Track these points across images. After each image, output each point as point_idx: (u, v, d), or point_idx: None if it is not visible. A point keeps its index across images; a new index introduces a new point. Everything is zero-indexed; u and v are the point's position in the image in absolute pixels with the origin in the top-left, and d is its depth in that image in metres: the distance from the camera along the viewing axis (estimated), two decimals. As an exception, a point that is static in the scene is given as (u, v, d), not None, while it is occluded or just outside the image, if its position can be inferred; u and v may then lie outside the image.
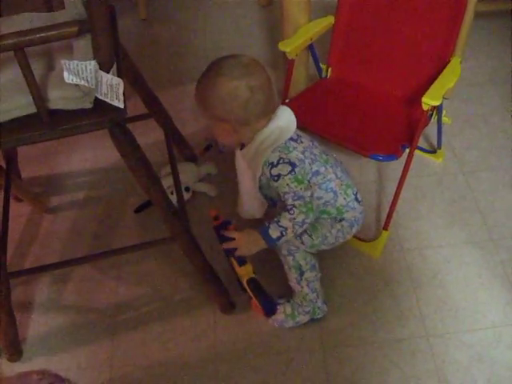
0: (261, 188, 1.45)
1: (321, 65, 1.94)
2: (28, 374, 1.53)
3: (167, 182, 1.83)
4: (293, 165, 1.35)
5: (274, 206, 1.51)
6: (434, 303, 1.63)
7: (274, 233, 1.37)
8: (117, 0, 1.42)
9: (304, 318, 1.57)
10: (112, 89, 1.06)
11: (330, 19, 1.87)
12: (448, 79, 1.65)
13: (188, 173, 1.94)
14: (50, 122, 1.08)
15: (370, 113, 1.78)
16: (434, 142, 2.03)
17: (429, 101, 1.55)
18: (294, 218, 1.35)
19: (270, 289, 1.51)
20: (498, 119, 2.16)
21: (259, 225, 1.41)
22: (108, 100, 1.08)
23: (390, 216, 1.73)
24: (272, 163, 1.36)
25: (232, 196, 1.59)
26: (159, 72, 2.50)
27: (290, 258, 1.49)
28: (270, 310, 1.53)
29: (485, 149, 2.05)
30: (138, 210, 1.92)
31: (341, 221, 1.49)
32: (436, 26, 1.72)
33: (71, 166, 2.12)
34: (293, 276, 1.52)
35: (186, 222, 1.56)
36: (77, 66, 1.01)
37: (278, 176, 1.35)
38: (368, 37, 1.84)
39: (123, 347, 1.59)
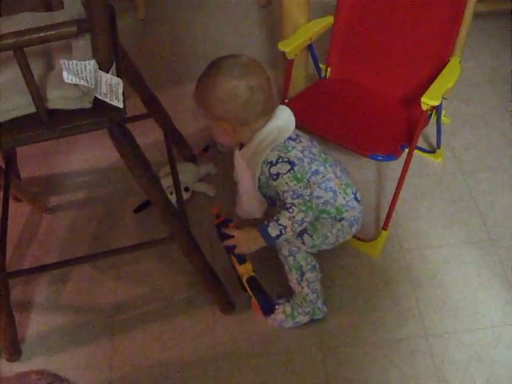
0: (260, 187, 1.45)
1: (320, 65, 1.94)
2: (27, 374, 1.53)
3: (166, 182, 1.83)
4: (292, 163, 1.35)
5: (274, 205, 1.51)
6: (434, 303, 1.63)
7: (273, 231, 1.36)
8: (116, 0, 1.42)
9: (304, 319, 1.57)
10: (111, 89, 1.06)
11: (330, 19, 1.87)
12: (447, 79, 1.65)
13: (187, 173, 1.94)
14: (49, 122, 1.08)
15: (370, 113, 1.78)
16: (434, 142, 2.03)
17: (428, 101, 1.55)
18: (294, 217, 1.35)
19: (269, 289, 1.51)
20: (498, 119, 2.16)
21: (259, 223, 1.41)
22: (107, 100, 1.08)
23: (389, 216, 1.73)
24: (271, 162, 1.36)
25: (231, 196, 1.59)
26: (158, 72, 2.50)
27: (291, 258, 1.49)
28: (268, 309, 1.53)
29: (484, 149, 2.05)
30: (137, 210, 1.92)
31: (341, 220, 1.49)
32: (435, 25, 1.72)
33: (70, 165, 2.12)
34: (293, 276, 1.52)
35: (186, 221, 1.56)
36: (76, 65, 1.01)
37: (277, 175, 1.35)
38: (367, 37, 1.84)
39: (122, 347, 1.59)
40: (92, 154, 2.14)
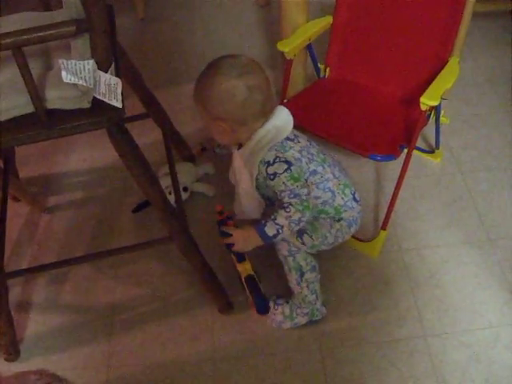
0: (258, 188, 1.45)
1: (319, 65, 1.94)
2: (25, 374, 1.53)
3: (165, 182, 1.83)
4: (289, 163, 1.35)
5: (272, 205, 1.51)
6: (432, 303, 1.63)
7: (270, 230, 1.37)
8: (115, -1, 1.42)
9: (302, 320, 1.57)
10: (110, 88, 1.06)
11: (329, 19, 1.87)
12: (446, 79, 1.65)
13: (186, 173, 1.94)
14: (47, 122, 1.08)
15: (369, 113, 1.78)
16: (433, 142, 2.03)
17: (427, 101, 1.55)
18: (290, 216, 1.35)
19: (268, 289, 1.51)
20: (497, 119, 2.16)
21: (257, 222, 1.41)
22: (106, 100, 1.08)
23: (388, 216, 1.73)
24: (268, 162, 1.36)
25: (230, 196, 1.59)
26: (157, 72, 2.50)
27: (291, 258, 1.49)
28: (262, 309, 1.53)
29: (483, 149, 2.05)
30: (136, 210, 1.92)
31: (339, 220, 1.49)
32: (434, 26, 1.72)
33: (69, 165, 2.12)
34: (293, 277, 1.52)
35: (184, 221, 1.56)
36: (75, 65, 1.01)
37: (274, 175, 1.35)
38: (366, 37, 1.85)
39: (121, 347, 1.59)
40: (91, 153, 2.14)
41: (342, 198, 1.48)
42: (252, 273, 1.46)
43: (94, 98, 1.08)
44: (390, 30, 1.80)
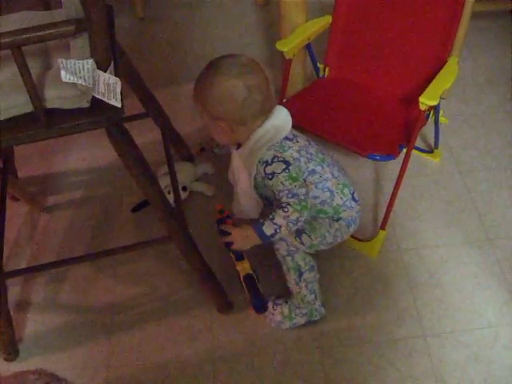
0: (256, 187, 1.45)
1: (318, 64, 1.94)
2: (24, 374, 1.53)
3: (164, 182, 1.83)
4: (287, 163, 1.35)
5: (271, 205, 1.51)
6: (431, 303, 1.63)
7: (268, 230, 1.37)
8: (114, -1, 1.42)
9: (301, 320, 1.57)
10: (109, 88, 1.06)
11: (328, 19, 1.87)
12: (445, 79, 1.65)
13: (185, 172, 1.93)
14: (46, 121, 1.08)
15: (368, 112, 1.78)
16: (432, 142, 2.03)
17: (426, 101, 1.55)
18: (288, 216, 1.35)
19: (267, 289, 1.51)
20: (496, 119, 2.16)
21: (255, 221, 1.41)
22: (105, 99, 1.07)
23: (387, 216, 1.73)
24: (266, 161, 1.36)
25: (229, 195, 1.59)
26: (156, 71, 2.50)
27: (289, 258, 1.49)
28: (259, 308, 1.53)
29: (482, 149, 2.05)
30: (135, 210, 1.92)
31: (338, 220, 1.49)
32: (433, 25, 1.72)
33: (68, 165, 2.12)
34: (292, 277, 1.52)
35: (183, 221, 1.56)
36: (74, 64, 1.01)
37: (272, 174, 1.35)
38: (365, 36, 1.84)
39: (120, 347, 1.59)
40: (90, 153, 2.14)
41: (341, 198, 1.48)
42: (250, 272, 1.46)
43: (93, 98, 1.08)
44: (389, 29, 1.80)
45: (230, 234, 1.44)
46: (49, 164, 2.12)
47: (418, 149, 2.03)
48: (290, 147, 1.39)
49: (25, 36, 0.95)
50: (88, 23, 0.99)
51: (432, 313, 1.61)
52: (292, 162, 1.36)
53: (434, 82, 1.62)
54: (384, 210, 1.74)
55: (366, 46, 1.85)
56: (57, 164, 2.12)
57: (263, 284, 1.48)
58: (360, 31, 1.85)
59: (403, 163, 1.67)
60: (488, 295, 1.64)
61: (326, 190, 1.46)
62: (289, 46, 1.77)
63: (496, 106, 2.21)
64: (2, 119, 1.08)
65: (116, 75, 1.07)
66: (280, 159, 1.36)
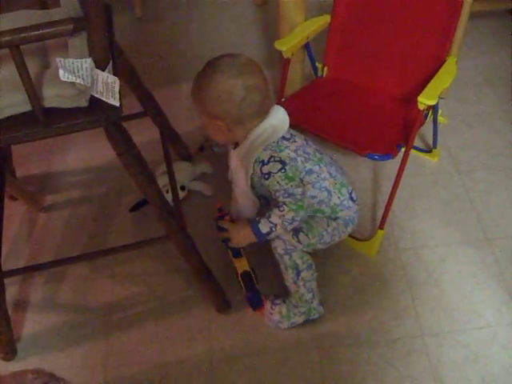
0: (253, 187, 1.45)
1: (317, 64, 1.94)
2: (22, 373, 1.52)
3: (163, 181, 1.83)
4: (283, 163, 1.36)
5: (268, 204, 1.51)
6: (430, 303, 1.63)
7: (263, 228, 1.38)
8: (113, -2, 1.42)
9: (299, 319, 1.57)
10: (108, 87, 1.06)
11: (326, 18, 1.87)
12: (444, 79, 1.65)
13: (183, 172, 1.93)
14: (45, 120, 1.07)
15: (366, 112, 1.78)
16: (430, 142, 2.03)
17: (425, 100, 1.55)
18: (284, 215, 1.36)
19: (265, 288, 1.51)
20: (494, 119, 2.16)
21: (252, 219, 1.42)
22: (104, 98, 1.07)
23: (385, 215, 1.73)
24: (263, 161, 1.36)
25: (227, 195, 1.59)
26: (155, 70, 2.49)
27: (287, 257, 1.49)
28: (254, 304, 1.54)
29: (480, 148, 2.05)
30: (133, 209, 1.92)
31: (336, 219, 1.49)
32: (432, 25, 1.72)
33: (66, 164, 2.12)
34: (289, 276, 1.52)
35: (182, 220, 1.56)
36: (72, 63, 1.00)
37: (269, 174, 1.36)
38: (364, 36, 1.84)
39: (118, 347, 1.59)
40: (88, 152, 2.14)
41: (339, 198, 1.48)
42: (248, 269, 1.47)
43: (92, 97, 1.08)
44: (388, 29, 1.80)
45: (227, 230, 1.45)
46: (47, 163, 2.12)
47: (416, 148, 2.03)
48: (286, 147, 1.39)
49: (23, 35, 0.94)
50: (86, 22, 0.99)
51: (430, 312, 1.61)
52: (288, 161, 1.36)
53: (432, 81, 1.62)
54: (382, 209, 1.74)
55: (365, 46, 1.85)
56: (55, 163, 2.12)
57: (261, 283, 1.48)
58: (358, 31, 1.85)
59: (402, 163, 1.67)
60: (486, 295, 1.64)
61: (323, 189, 1.46)
62: (287, 45, 1.77)
63: (494, 106, 2.21)
64: (0, 118, 1.07)
65: (114, 74, 1.07)
66: (276, 159, 1.36)
